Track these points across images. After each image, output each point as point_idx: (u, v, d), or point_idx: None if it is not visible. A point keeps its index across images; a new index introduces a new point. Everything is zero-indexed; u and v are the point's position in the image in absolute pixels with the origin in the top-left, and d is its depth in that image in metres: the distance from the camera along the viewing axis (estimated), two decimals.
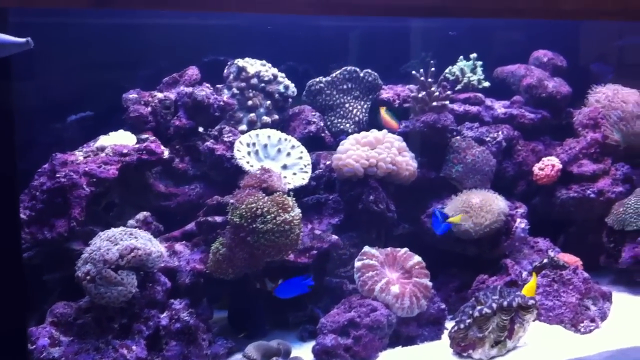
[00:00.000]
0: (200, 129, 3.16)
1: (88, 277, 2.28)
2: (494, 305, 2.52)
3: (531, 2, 1.52)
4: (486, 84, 3.65)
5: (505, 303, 2.53)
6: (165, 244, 2.73)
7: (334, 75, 3.54)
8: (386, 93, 3.58)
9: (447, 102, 3.34)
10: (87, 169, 2.62)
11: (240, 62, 3.37)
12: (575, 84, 3.70)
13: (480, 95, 3.59)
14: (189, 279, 2.64)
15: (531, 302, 2.58)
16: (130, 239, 2.42)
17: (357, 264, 2.77)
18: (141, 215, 2.77)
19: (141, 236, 2.46)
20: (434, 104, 3.29)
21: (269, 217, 2.53)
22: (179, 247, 2.75)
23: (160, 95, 3.12)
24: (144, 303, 2.44)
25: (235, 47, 3.58)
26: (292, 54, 3.81)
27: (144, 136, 2.95)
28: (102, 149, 2.77)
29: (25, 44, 1.56)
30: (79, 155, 2.73)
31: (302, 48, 3.85)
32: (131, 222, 2.74)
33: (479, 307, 2.55)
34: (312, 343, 2.59)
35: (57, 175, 2.58)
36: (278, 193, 2.63)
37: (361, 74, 3.54)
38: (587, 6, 1.52)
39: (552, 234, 3.40)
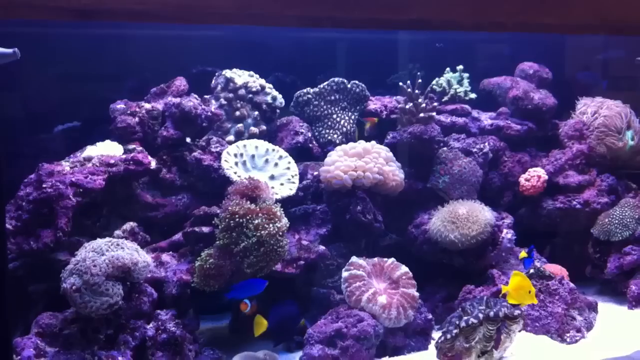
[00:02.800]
0: (188, 140, 3.15)
1: (73, 288, 2.26)
2: (481, 315, 2.51)
3: (512, 17, 1.53)
4: (473, 95, 3.68)
5: (491, 313, 2.52)
6: (152, 255, 2.71)
7: (321, 86, 3.55)
8: (373, 104, 3.59)
9: (434, 114, 3.36)
10: (73, 179, 2.60)
11: (228, 73, 3.38)
12: (561, 95, 3.74)
13: (466, 106, 3.62)
14: (176, 289, 2.62)
15: (517, 312, 2.58)
16: (117, 249, 2.40)
17: (345, 274, 2.77)
18: (128, 225, 2.76)
19: (128, 247, 2.45)
20: (421, 115, 3.31)
21: (255, 227, 2.52)
22: (165, 257, 2.73)
23: (147, 105, 3.12)
24: (130, 314, 2.43)
25: (223, 58, 3.59)
26: (280, 65, 3.81)
27: (131, 146, 2.94)
28: (89, 159, 2.76)
29: (12, 54, 1.56)
30: (65, 165, 2.71)
31: (289, 59, 3.87)
32: (118, 232, 2.73)
33: (465, 318, 2.53)
34: (299, 353, 2.58)
35: (44, 186, 2.55)
36: (265, 203, 2.63)
37: (349, 85, 3.56)
38: (566, 21, 1.54)
39: (538, 244, 3.40)
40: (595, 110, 3.59)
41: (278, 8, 1.32)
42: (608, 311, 3.13)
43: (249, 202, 2.62)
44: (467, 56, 3.99)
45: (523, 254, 2.95)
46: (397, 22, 1.59)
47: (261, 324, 2.57)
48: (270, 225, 2.54)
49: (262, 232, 2.52)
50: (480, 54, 4.17)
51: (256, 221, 2.53)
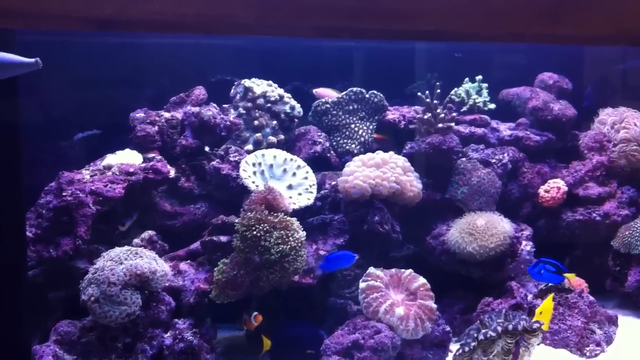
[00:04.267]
0: (207, 149, 3.17)
1: (92, 299, 2.28)
2: (499, 328, 2.47)
3: (529, 28, 1.52)
4: (492, 105, 3.65)
5: (510, 326, 2.47)
6: (170, 263, 2.72)
7: (340, 96, 3.55)
8: (392, 114, 3.58)
9: (453, 124, 3.34)
10: (93, 187, 2.63)
11: (247, 82, 3.39)
12: (580, 106, 3.70)
13: (485, 117, 3.59)
14: (193, 298, 2.63)
15: (536, 325, 2.54)
16: (135, 258, 2.42)
17: (362, 285, 2.75)
18: (146, 234, 2.77)
19: (146, 255, 2.47)
20: (440, 125, 3.29)
21: (273, 239, 2.52)
22: (183, 266, 2.74)
23: (167, 114, 3.14)
24: (148, 322, 2.44)
25: (242, 67, 3.61)
26: (298, 74, 3.82)
27: (150, 155, 2.96)
28: (109, 167, 2.78)
29: (34, 64, 1.57)
30: (85, 173, 2.74)
31: (307, 68, 3.87)
32: (136, 241, 2.74)
33: (483, 330, 2.50)
34: None
35: (64, 194, 2.58)
36: (282, 214, 2.63)
37: (367, 95, 3.55)
38: (584, 32, 1.52)
39: (557, 256, 3.35)
40: (616, 121, 3.55)
41: (295, 19, 1.32)
42: (628, 325, 3.08)
43: (266, 212, 2.62)
44: (486, 66, 3.96)
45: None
46: (413, 33, 1.59)
47: (265, 344, 2.58)
48: (290, 238, 2.54)
49: (282, 245, 2.52)
50: (499, 64, 4.14)
51: (275, 233, 2.53)
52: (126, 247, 2.50)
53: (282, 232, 2.54)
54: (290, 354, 2.71)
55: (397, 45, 3.82)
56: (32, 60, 1.57)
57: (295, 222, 2.61)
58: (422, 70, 3.92)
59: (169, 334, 2.44)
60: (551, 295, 2.76)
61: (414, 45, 3.86)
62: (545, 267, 2.93)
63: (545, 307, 2.64)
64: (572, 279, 2.99)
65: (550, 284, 3.00)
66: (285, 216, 2.62)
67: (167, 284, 2.55)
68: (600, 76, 4.07)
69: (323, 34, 1.51)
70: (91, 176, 2.72)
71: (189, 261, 2.79)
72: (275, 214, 2.61)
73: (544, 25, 1.52)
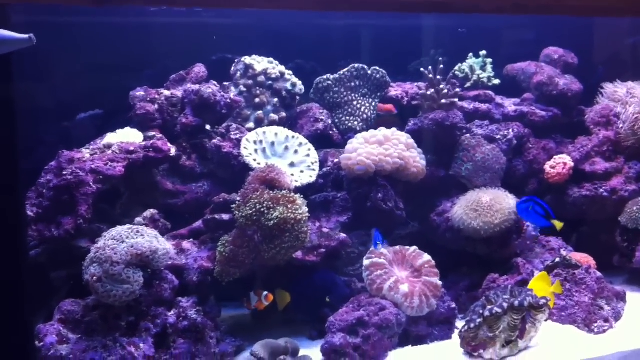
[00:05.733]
0: (207, 127, 3.13)
1: (94, 278, 2.26)
2: (505, 304, 2.48)
3: None
4: (496, 81, 3.61)
5: (516, 302, 2.48)
6: (173, 242, 2.71)
7: (341, 72, 3.51)
8: (394, 90, 3.54)
9: (456, 100, 3.30)
10: (93, 166, 2.61)
11: (247, 59, 3.36)
12: (586, 81, 3.66)
13: (490, 92, 3.55)
14: (197, 276, 2.62)
15: (543, 301, 2.53)
16: (137, 236, 2.39)
17: (366, 262, 2.73)
18: (148, 212, 2.75)
19: (147, 234, 2.44)
20: (443, 101, 3.25)
21: (275, 214, 2.50)
22: (186, 245, 2.73)
23: (167, 92, 3.11)
24: (151, 301, 2.41)
25: (243, 46, 3.57)
26: (300, 52, 3.78)
27: (151, 134, 2.93)
28: (109, 146, 2.76)
29: (28, 40, 1.54)
30: (85, 152, 2.72)
31: (309, 46, 3.83)
32: (138, 219, 2.72)
33: (489, 307, 2.50)
34: (321, 342, 2.55)
35: (64, 173, 2.56)
36: (285, 190, 2.61)
37: (369, 72, 3.51)
38: (593, 2, 1.48)
39: (564, 233, 3.32)
40: (624, 95, 3.50)
41: None
42: (637, 301, 3.05)
43: (268, 190, 2.59)
44: (490, 42, 3.91)
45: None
46: (416, 5, 1.55)
47: (285, 297, 2.57)
48: (291, 213, 2.52)
49: (282, 218, 2.50)
50: (504, 39, 4.10)
51: (278, 209, 2.51)
52: (128, 226, 2.45)
53: (285, 207, 2.52)
54: (309, 303, 2.73)
55: (400, 22, 3.79)
56: (26, 36, 1.55)
57: (298, 197, 2.59)
58: (426, 47, 3.89)
59: (172, 312, 2.43)
60: (543, 273, 2.75)
61: (417, 21, 3.83)
62: (535, 207, 2.89)
63: (539, 285, 2.64)
64: (559, 227, 2.92)
65: (557, 260, 2.96)
66: (288, 191, 2.60)
67: (170, 263, 2.52)
68: (609, 52, 4.02)
69: (319, 6, 1.47)
70: (91, 155, 2.70)
71: (191, 240, 2.78)
72: (277, 189, 2.59)
73: None
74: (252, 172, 2.72)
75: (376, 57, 3.73)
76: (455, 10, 1.58)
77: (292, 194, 2.60)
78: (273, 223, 2.50)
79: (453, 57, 3.64)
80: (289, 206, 2.54)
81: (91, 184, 2.56)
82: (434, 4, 1.51)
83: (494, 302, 2.55)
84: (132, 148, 2.75)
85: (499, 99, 3.57)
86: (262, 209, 2.51)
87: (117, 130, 2.90)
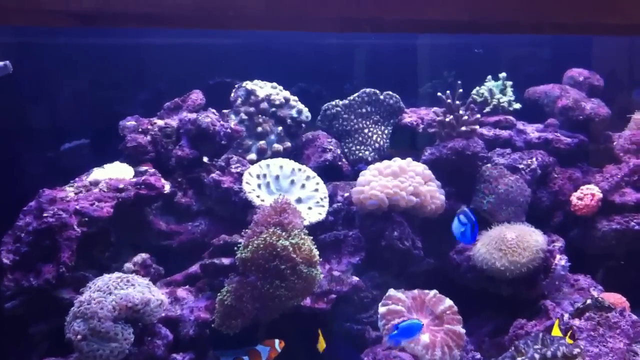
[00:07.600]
0: (205, 159, 2.94)
1: (79, 337, 2.04)
2: (537, 355, 2.27)
3: (577, 17, 1.29)
4: (517, 105, 3.38)
5: (549, 353, 2.27)
6: (166, 290, 2.51)
7: (351, 98, 3.31)
8: (409, 117, 3.34)
9: (477, 127, 3.07)
10: (78, 207, 2.38)
11: (249, 84, 3.16)
12: (613, 105, 3.44)
13: (511, 118, 3.32)
14: (193, 329, 2.40)
15: (576, 350, 2.31)
16: (126, 287, 2.19)
17: (382, 309, 2.52)
18: (139, 257, 2.52)
19: (138, 283, 2.24)
20: (463, 128, 3.02)
21: (284, 260, 2.25)
22: (181, 292, 2.51)
23: (160, 122, 2.91)
24: (142, 359, 2.18)
25: (241, 67, 3.44)
26: (302, 74, 3.62)
27: (143, 168, 2.73)
28: (96, 183, 2.53)
29: (4, 68, 1.33)
30: (69, 190, 2.49)
31: (312, 68, 3.68)
32: (128, 265, 2.50)
33: (519, 358, 2.29)
34: None
35: (45, 215, 2.34)
36: (295, 231, 2.34)
37: (381, 97, 3.31)
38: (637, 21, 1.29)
39: (590, 269, 3.12)
40: None
41: (311, 9, 1.09)
42: None
43: (278, 230, 2.33)
44: (507, 62, 3.72)
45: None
46: (445, 25, 1.36)
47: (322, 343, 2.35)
48: (301, 258, 2.27)
49: (292, 264, 2.25)
50: (521, 60, 3.90)
51: (284, 253, 2.25)
52: (116, 274, 2.26)
53: (293, 250, 2.27)
54: None
55: (407, 41, 3.63)
56: (1, 63, 1.33)
57: (315, 254, 2.36)
58: (437, 68, 3.71)
59: None
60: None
61: (428, 40, 3.66)
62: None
63: None
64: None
65: (588, 301, 2.72)
66: (298, 232, 2.34)
67: (163, 315, 2.32)
68: (631, 70, 3.82)
69: (338, 27, 1.30)
70: (76, 193, 2.48)
71: (187, 287, 2.56)
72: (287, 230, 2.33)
73: (592, 14, 1.29)
74: (257, 212, 2.46)
75: (382, 78, 3.56)
76: (491, 31, 1.38)
77: (302, 235, 2.34)
78: (282, 270, 2.25)
79: (466, 78, 3.43)
80: (299, 250, 2.28)
81: (75, 227, 2.34)
82: (467, 24, 1.31)
83: (524, 353, 2.33)
84: (121, 185, 2.52)
85: (520, 125, 3.34)
86: (269, 256, 2.26)
87: (105, 165, 2.69)
